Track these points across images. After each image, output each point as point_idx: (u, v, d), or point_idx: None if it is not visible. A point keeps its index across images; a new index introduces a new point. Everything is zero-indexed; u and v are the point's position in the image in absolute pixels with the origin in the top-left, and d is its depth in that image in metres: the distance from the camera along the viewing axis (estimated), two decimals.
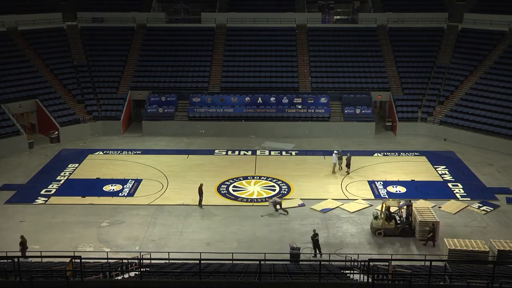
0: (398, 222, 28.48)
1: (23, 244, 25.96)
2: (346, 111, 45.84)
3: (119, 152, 41.47)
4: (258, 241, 27.84)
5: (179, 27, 54.65)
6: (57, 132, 43.61)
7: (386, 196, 33.03)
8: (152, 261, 21.60)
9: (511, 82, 44.70)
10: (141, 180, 35.71)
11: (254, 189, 34.44)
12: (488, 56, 48.26)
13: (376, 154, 40.83)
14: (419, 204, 30.74)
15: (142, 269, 16.44)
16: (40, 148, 42.08)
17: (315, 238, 26.31)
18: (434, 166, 38.20)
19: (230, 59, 51.16)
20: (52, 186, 34.76)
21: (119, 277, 17.07)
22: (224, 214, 31.03)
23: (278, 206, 31.01)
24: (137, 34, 53.35)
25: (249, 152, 41.37)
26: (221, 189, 34.34)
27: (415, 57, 50.39)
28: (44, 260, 22.39)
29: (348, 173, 36.42)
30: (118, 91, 48.28)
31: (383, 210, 28.25)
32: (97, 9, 54.35)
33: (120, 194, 33.48)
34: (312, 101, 46.55)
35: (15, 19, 50.12)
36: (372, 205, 31.67)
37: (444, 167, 38.10)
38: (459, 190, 34.09)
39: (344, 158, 37.00)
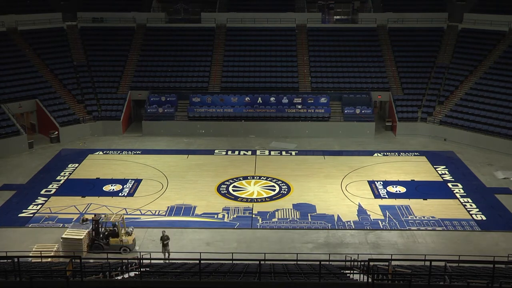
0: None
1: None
2: (346, 111, 45.83)
3: (119, 152, 41.47)
4: (258, 241, 27.85)
5: (179, 27, 54.63)
6: (57, 132, 43.60)
7: (386, 196, 33.04)
8: (152, 261, 21.59)
9: (511, 82, 44.72)
10: (141, 180, 35.71)
11: (254, 189, 34.43)
12: (488, 56, 48.24)
13: (376, 154, 40.83)
14: None
15: (142, 269, 16.42)
16: (40, 148, 42.07)
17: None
18: (434, 166, 38.20)
19: (230, 59, 51.16)
20: (52, 186, 34.76)
21: (119, 277, 17.06)
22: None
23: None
24: (137, 34, 53.33)
25: (249, 152, 41.37)
26: (221, 189, 34.35)
27: (415, 57, 50.37)
28: (44, 260, 22.38)
29: None
30: (118, 91, 48.27)
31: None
32: (97, 9, 54.33)
33: (120, 194, 33.49)
34: (312, 101, 46.55)
35: (15, 19, 50.10)
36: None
37: (444, 167, 38.10)
38: (459, 190, 34.09)
39: None
